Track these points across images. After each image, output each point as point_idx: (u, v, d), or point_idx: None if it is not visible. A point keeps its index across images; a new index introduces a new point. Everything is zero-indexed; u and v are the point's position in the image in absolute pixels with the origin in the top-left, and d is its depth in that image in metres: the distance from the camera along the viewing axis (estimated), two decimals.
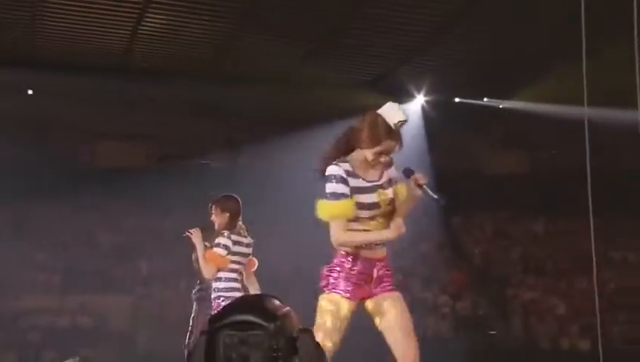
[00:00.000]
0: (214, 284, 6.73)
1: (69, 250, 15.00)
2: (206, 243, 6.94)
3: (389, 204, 4.46)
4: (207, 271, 6.74)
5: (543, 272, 14.93)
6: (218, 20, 12.78)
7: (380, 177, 4.51)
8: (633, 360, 12.82)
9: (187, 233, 6.95)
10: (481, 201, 15.13)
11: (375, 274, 4.49)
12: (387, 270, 4.55)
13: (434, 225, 15.29)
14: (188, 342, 7.86)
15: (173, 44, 13.69)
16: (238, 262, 6.70)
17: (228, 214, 6.75)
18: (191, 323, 8.13)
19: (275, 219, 14.92)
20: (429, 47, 13.70)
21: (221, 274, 6.69)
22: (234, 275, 6.70)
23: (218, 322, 1.92)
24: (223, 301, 6.52)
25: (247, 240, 6.78)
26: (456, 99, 15.67)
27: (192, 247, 7.02)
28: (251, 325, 1.89)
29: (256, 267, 6.94)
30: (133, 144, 16.15)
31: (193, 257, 7.22)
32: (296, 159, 15.78)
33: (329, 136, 15.77)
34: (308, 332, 1.98)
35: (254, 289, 6.72)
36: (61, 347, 12.76)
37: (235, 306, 1.95)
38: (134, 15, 12.45)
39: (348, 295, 4.45)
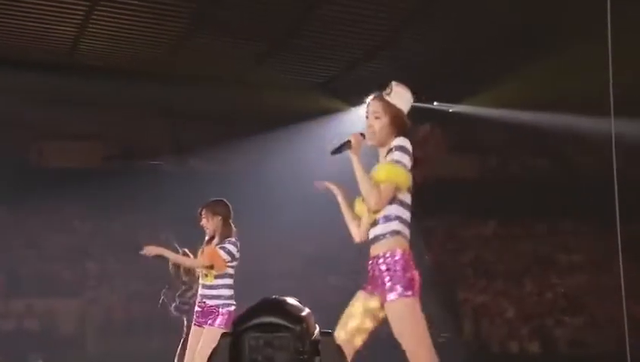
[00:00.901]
0: (223, 291, 6.71)
1: (14, 252, 14.73)
2: (185, 249, 7.01)
3: None
4: (195, 263, 6.81)
5: (493, 276, 15.12)
6: (170, 19, 12.65)
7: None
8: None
9: (144, 253, 6.85)
10: (432, 204, 15.25)
11: (370, 273, 4.43)
12: (385, 271, 4.36)
13: None
14: (180, 352, 7.81)
15: (123, 43, 13.49)
16: (233, 267, 6.76)
17: (220, 217, 6.82)
18: (185, 332, 8.07)
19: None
20: (381, 50, 13.77)
21: (219, 281, 6.70)
22: (231, 281, 6.78)
23: (243, 324, 1.89)
24: (227, 307, 6.68)
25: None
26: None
27: (161, 257, 7.03)
28: (277, 327, 1.87)
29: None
30: (82, 144, 15.90)
31: (170, 267, 7.24)
32: (249, 161, 15.79)
33: (281, 138, 15.77)
34: (330, 335, 1.97)
35: None
36: (7, 351, 12.56)
37: (259, 308, 1.92)
38: (83, 11, 12.24)
39: (364, 286, 4.48)
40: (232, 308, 6.69)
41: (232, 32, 13.00)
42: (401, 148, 4.42)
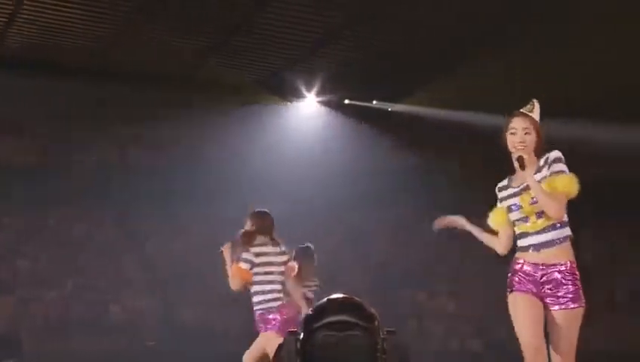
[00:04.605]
0: (253, 298, 7.10)
1: None
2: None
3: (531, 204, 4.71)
4: (232, 284, 7.13)
5: (436, 274, 15.26)
6: (109, 12, 12.40)
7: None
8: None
9: (220, 249, 7.23)
10: (373, 201, 15.36)
11: (540, 279, 4.65)
12: (565, 281, 4.62)
13: (334, 223, 15.40)
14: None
15: (57, 35, 13.19)
16: (270, 272, 7.06)
17: (253, 228, 7.13)
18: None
19: (172, 217, 14.70)
20: (322, 48, 13.78)
21: (257, 288, 7.08)
22: (269, 287, 7.06)
23: (315, 322, 1.87)
24: (262, 312, 7.03)
25: (278, 249, 7.14)
26: (346, 101, 15.81)
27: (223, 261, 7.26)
28: (349, 325, 1.86)
29: (296, 272, 7.30)
30: (16, 139, 15.48)
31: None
32: (189, 156, 15.61)
33: (221, 133, 15.47)
34: (394, 333, 1.97)
35: (298, 294, 7.19)
36: None
37: (329, 307, 1.90)
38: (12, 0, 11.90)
39: (516, 288, 4.69)
40: (259, 311, 7.09)
41: (174, 27, 12.84)
42: (561, 160, 4.72)
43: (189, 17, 12.47)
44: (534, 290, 4.67)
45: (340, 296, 1.94)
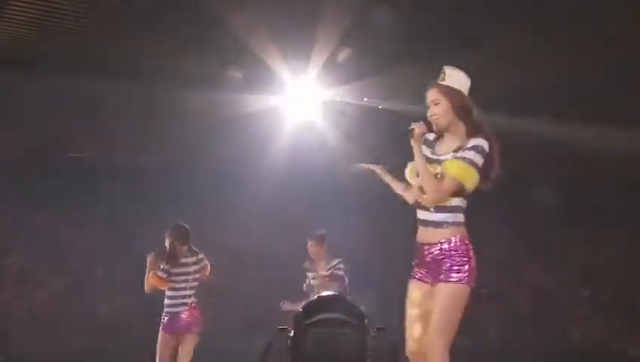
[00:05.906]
0: (164, 301, 8.12)
1: None
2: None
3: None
4: (146, 287, 8.07)
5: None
6: (92, 11, 12.35)
7: (448, 150, 4.59)
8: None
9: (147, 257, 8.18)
10: (362, 201, 15.37)
11: (426, 258, 4.37)
12: (447, 257, 4.31)
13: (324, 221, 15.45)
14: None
15: (41, 30, 13.12)
16: (184, 281, 8.03)
17: (171, 240, 8.08)
18: None
19: (161, 218, 14.63)
20: (312, 45, 13.73)
21: (169, 293, 8.06)
22: (180, 293, 8.01)
23: (306, 320, 1.86)
24: (166, 316, 8.01)
25: (193, 259, 8.14)
26: (337, 99, 15.72)
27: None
28: (340, 322, 1.86)
29: (209, 271, 8.35)
30: (3, 136, 15.42)
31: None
32: (172, 158, 15.52)
33: (202, 133, 15.31)
34: (383, 330, 1.96)
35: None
36: None
37: (320, 305, 1.90)
38: None
39: (415, 276, 4.44)
40: (165, 314, 8.10)
41: (154, 25, 12.77)
42: (476, 148, 4.48)
43: (167, 12, 12.40)
44: (424, 272, 4.42)
45: (330, 293, 1.94)
